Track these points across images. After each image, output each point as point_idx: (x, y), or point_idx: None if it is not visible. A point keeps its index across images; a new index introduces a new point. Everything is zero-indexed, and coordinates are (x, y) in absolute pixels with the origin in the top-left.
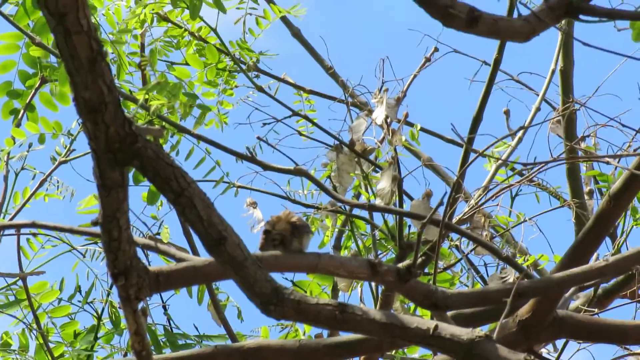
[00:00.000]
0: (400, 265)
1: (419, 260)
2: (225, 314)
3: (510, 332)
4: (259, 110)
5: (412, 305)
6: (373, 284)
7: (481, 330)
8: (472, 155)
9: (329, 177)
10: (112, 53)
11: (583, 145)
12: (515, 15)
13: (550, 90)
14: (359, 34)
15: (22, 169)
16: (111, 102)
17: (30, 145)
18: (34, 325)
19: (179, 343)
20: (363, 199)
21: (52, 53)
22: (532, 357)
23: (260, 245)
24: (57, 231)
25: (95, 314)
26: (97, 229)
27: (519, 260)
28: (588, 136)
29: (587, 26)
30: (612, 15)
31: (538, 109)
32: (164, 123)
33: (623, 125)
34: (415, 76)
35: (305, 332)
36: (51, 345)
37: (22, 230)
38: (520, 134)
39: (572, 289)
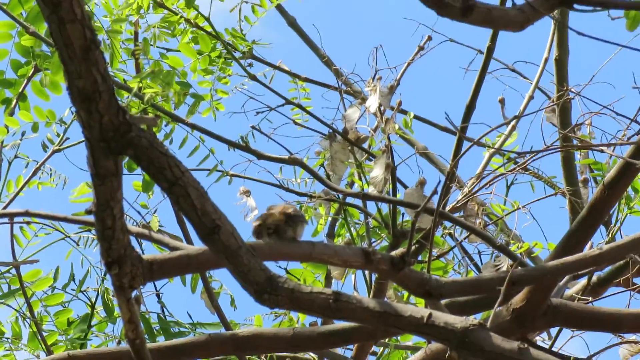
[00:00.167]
0: (394, 253)
1: (413, 248)
2: (218, 302)
3: (504, 320)
4: (253, 99)
5: (405, 293)
6: (367, 272)
7: (475, 319)
8: (466, 144)
9: (322, 165)
10: (107, 39)
11: (578, 134)
12: (509, 4)
13: (546, 79)
14: (354, 23)
15: (15, 157)
16: (105, 90)
17: (23, 134)
18: (28, 314)
19: (172, 331)
20: (356, 187)
21: (45, 42)
22: (526, 345)
23: (253, 232)
24: (50, 220)
25: (88, 302)
26: (91, 218)
27: (513, 248)
28: (582, 124)
29: (582, 15)
30: (606, 4)
31: (531, 98)
32: (157, 112)
33: (617, 114)
34: (409, 64)
35: (298, 320)
36: (44, 334)
37: (16, 219)
38: (514, 122)
39: (566, 278)
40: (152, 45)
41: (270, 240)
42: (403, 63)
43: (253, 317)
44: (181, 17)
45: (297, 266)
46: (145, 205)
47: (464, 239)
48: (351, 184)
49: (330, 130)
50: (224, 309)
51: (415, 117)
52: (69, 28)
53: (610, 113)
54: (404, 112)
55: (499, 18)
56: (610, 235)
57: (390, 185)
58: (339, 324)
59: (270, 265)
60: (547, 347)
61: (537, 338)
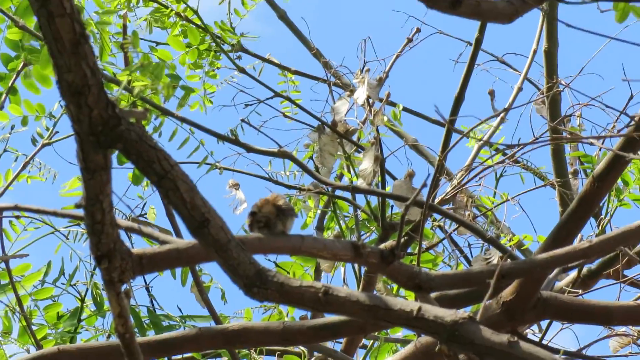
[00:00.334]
0: (383, 246)
1: (402, 241)
2: (209, 295)
3: (494, 313)
4: (242, 92)
5: (395, 286)
6: (356, 265)
7: (465, 312)
8: (455, 136)
9: (311, 158)
10: (97, 31)
11: (568, 125)
12: None
13: (535, 71)
14: (343, 16)
15: (5, 151)
16: (94, 84)
17: (12, 128)
18: (17, 308)
19: (162, 324)
20: (346, 180)
21: (34, 36)
22: (516, 338)
23: (248, 225)
24: (40, 214)
25: (78, 296)
26: (80, 212)
27: (503, 241)
28: (571, 115)
29: (571, 7)
30: None
31: (520, 89)
32: (147, 105)
33: (606, 106)
34: (397, 57)
35: (288, 314)
36: (34, 328)
37: (5, 213)
38: (503, 114)
39: (556, 270)
40: (142, 38)
41: (260, 234)
42: (392, 55)
43: (243, 311)
44: (171, 10)
45: (286, 259)
46: (142, 197)
47: (453, 231)
48: (340, 177)
49: (319, 123)
50: (214, 302)
51: (404, 109)
52: (58, 22)
53: (599, 105)
54: (393, 104)
55: (487, 10)
56: (600, 227)
57: (380, 178)
58: (329, 318)
59: (260, 259)
60: (537, 339)
61: (528, 331)
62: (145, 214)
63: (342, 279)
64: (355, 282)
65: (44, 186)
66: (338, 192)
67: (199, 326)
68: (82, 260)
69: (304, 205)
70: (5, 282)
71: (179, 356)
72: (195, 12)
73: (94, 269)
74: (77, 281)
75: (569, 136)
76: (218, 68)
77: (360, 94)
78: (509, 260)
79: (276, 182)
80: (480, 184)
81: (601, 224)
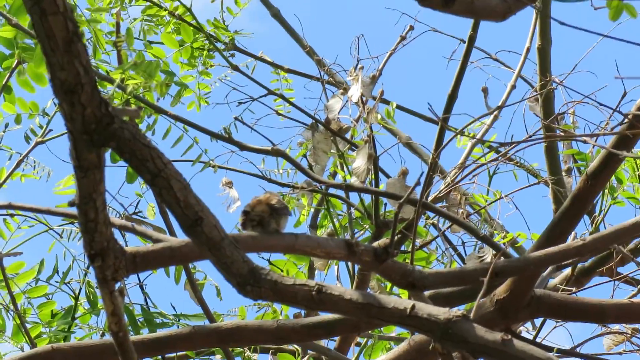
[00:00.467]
0: (376, 244)
1: (395, 239)
2: (203, 292)
3: (487, 311)
4: (236, 90)
5: (389, 284)
6: (350, 263)
7: (458, 310)
8: (448, 133)
9: (304, 156)
10: (89, 32)
11: (561, 123)
12: None
13: (529, 68)
14: (336, 13)
15: None
16: (87, 83)
17: (6, 126)
18: (11, 306)
19: (156, 323)
20: (339, 178)
21: (28, 34)
22: (509, 336)
23: (240, 224)
24: (33, 212)
25: (72, 295)
26: (74, 210)
27: (497, 239)
28: (565, 113)
29: (565, 5)
30: None
31: (513, 87)
32: (140, 103)
33: (600, 104)
34: (391, 54)
35: (282, 311)
36: (28, 326)
37: None
38: (496, 112)
39: (549, 268)
40: (137, 38)
41: (254, 232)
42: (385, 53)
43: (237, 309)
44: (164, 9)
45: (280, 257)
46: (140, 195)
47: (447, 229)
48: (334, 175)
49: (313, 121)
50: (209, 299)
51: (398, 107)
52: (51, 20)
53: (593, 103)
54: (387, 102)
55: (481, 8)
56: (594, 225)
57: (373, 176)
58: (323, 316)
59: (253, 257)
60: (531, 337)
61: (522, 328)
62: (140, 211)
63: (336, 277)
64: (349, 280)
65: (39, 184)
66: (332, 190)
67: (192, 325)
68: (76, 259)
69: (297, 204)
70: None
71: (173, 354)
72: (189, 10)
73: (88, 268)
74: (71, 279)
75: (562, 134)
76: (211, 67)
77: (354, 92)
78: (502, 258)
79: (270, 180)
80: (474, 182)
81: (595, 222)
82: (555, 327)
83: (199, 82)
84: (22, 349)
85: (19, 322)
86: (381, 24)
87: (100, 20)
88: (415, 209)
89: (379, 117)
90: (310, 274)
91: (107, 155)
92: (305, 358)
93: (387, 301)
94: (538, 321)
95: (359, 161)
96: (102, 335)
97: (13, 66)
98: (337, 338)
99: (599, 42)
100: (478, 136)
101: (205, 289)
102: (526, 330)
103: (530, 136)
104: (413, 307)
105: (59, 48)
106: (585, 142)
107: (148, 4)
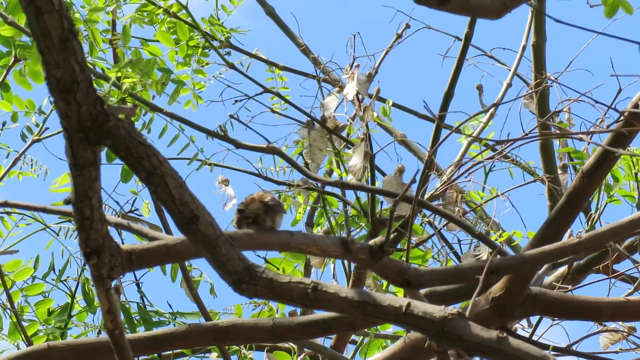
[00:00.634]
0: (372, 242)
1: (391, 236)
2: (199, 290)
3: (483, 309)
4: (231, 88)
5: (385, 282)
6: (346, 261)
7: (454, 308)
8: (444, 131)
9: (300, 154)
10: (85, 30)
11: (556, 120)
12: None
13: (524, 66)
14: (332, 12)
15: None
16: (83, 80)
17: (3, 124)
18: (8, 304)
19: (152, 321)
20: (335, 176)
21: (24, 32)
22: (505, 334)
23: (235, 222)
24: (29, 210)
25: (69, 292)
26: (70, 208)
27: (494, 237)
28: (560, 111)
29: (560, 2)
30: None
31: (510, 85)
32: (136, 101)
33: (595, 102)
34: (387, 52)
35: (278, 310)
36: (25, 324)
37: None
38: (492, 110)
39: (545, 266)
40: (134, 36)
41: (249, 230)
42: (381, 51)
43: (233, 307)
44: (158, 7)
45: (277, 256)
46: (135, 192)
47: (443, 227)
48: (330, 173)
49: (309, 119)
50: (205, 297)
51: (394, 104)
52: (47, 18)
53: (589, 101)
54: (383, 100)
55: (476, 6)
56: (590, 223)
57: (369, 174)
58: (319, 314)
59: (250, 255)
60: (527, 335)
61: (517, 326)
62: (136, 209)
63: (332, 275)
64: (345, 279)
65: (36, 182)
66: (328, 188)
67: (188, 323)
68: (72, 256)
69: (293, 202)
70: None
71: (169, 352)
72: (184, 7)
73: (84, 265)
74: (68, 277)
75: (558, 132)
76: (206, 65)
77: (350, 90)
78: (498, 256)
79: (266, 178)
80: (470, 180)
81: (591, 220)
82: (551, 326)
83: (193, 80)
84: (17, 347)
85: (15, 320)
86: (376, 22)
87: (97, 19)
88: (411, 206)
89: (375, 115)
90: (307, 272)
91: (103, 154)
92: (302, 356)
93: (382, 299)
94: (534, 319)
95: (355, 159)
96: (99, 333)
97: (10, 64)
98: (333, 336)
99: (593, 39)
100: (474, 134)
101: (201, 287)
102: (522, 328)
103: (527, 134)
104: (408, 305)
105: (54, 46)
106: (581, 139)
107: (143, 1)
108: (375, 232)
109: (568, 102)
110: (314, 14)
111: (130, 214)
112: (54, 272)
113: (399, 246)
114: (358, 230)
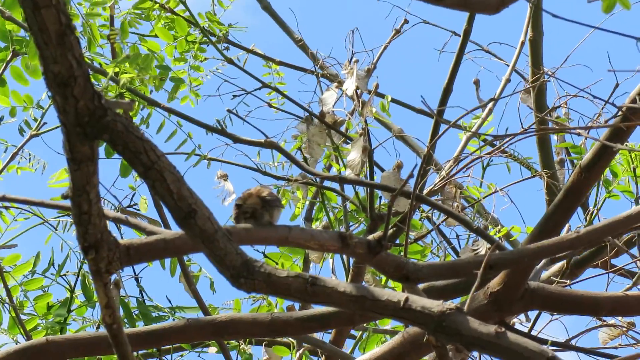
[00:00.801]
0: (370, 237)
1: (390, 231)
2: (198, 285)
3: (481, 304)
4: (228, 83)
5: (384, 277)
6: (344, 256)
7: (452, 303)
8: (443, 126)
9: (299, 149)
10: (81, 25)
11: (553, 116)
12: None
13: (522, 61)
14: (329, 6)
15: None
16: (80, 75)
17: (1, 119)
18: (7, 299)
19: (151, 315)
20: (334, 171)
21: (22, 27)
22: (503, 329)
23: (233, 217)
24: (27, 204)
25: (68, 287)
26: (68, 202)
27: (492, 232)
28: (559, 107)
29: None
30: None
31: (508, 80)
32: (134, 96)
33: (593, 97)
34: (385, 47)
35: (277, 304)
36: (25, 318)
37: None
38: (490, 105)
39: (543, 261)
40: (132, 32)
41: (247, 225)
42: (380, 46)
43: (232, 301)
44: (155, 2)
45: (275, 250)
46: (133, 188)
47: (442, 222)
48: (328, 168)
49: (307, 114)
50: (204, 292)
51: (393, 100)
52: (44, 13)
53: (586, 96)
54: (381, 95)
55: (474, 1)
56: (588, 219)
57: (368, 169)
58: (317, 309)
59: (249, 250)
60: (526, 330)
61: (516, 321)
62: (135, 204)
63: (331, 270)
64: (344, 273)
65: (34, 177)
66: (326, 183)
67: (187, 317)
68: (72, 251)
69: (292, 197)
70: None
71: (168, 347)
72: (183, 3)
73: (84, 260)
74: (67, 271)
75: (556, 127)
76: (204, 60)
77: (349, 85)
78: (496, 250)
79: (264, 173)
80: (468, 175)
81: (589, 215)
82: (550, 321)
83: (191, 76)
84: (16, 341)
85: (14, 314)
86: (374, 17)
87: (97, 14)
88: (409, 201)
89: (374, 110)
90: (305, 267)
91: (102, 149)
92: (301, 351)
93: (380, 294)
94: (533, 314)
95: (354, 154)
96: (98, 327)
97: (8, 59)
98: (332, 331)
99: (590, 34)
100: (473, 129)
101: (200, 282)
102: (520, 322)
103: (525, 129)
104: (407, 299)
105: (51, 41)
106: (579, 134)
107: None
108: (374, 227)
109: (566, 97)
110: (311, 10)
111: (129, 209)
112: (53, 267)
113: (397, 241)
114: (357, 225)
